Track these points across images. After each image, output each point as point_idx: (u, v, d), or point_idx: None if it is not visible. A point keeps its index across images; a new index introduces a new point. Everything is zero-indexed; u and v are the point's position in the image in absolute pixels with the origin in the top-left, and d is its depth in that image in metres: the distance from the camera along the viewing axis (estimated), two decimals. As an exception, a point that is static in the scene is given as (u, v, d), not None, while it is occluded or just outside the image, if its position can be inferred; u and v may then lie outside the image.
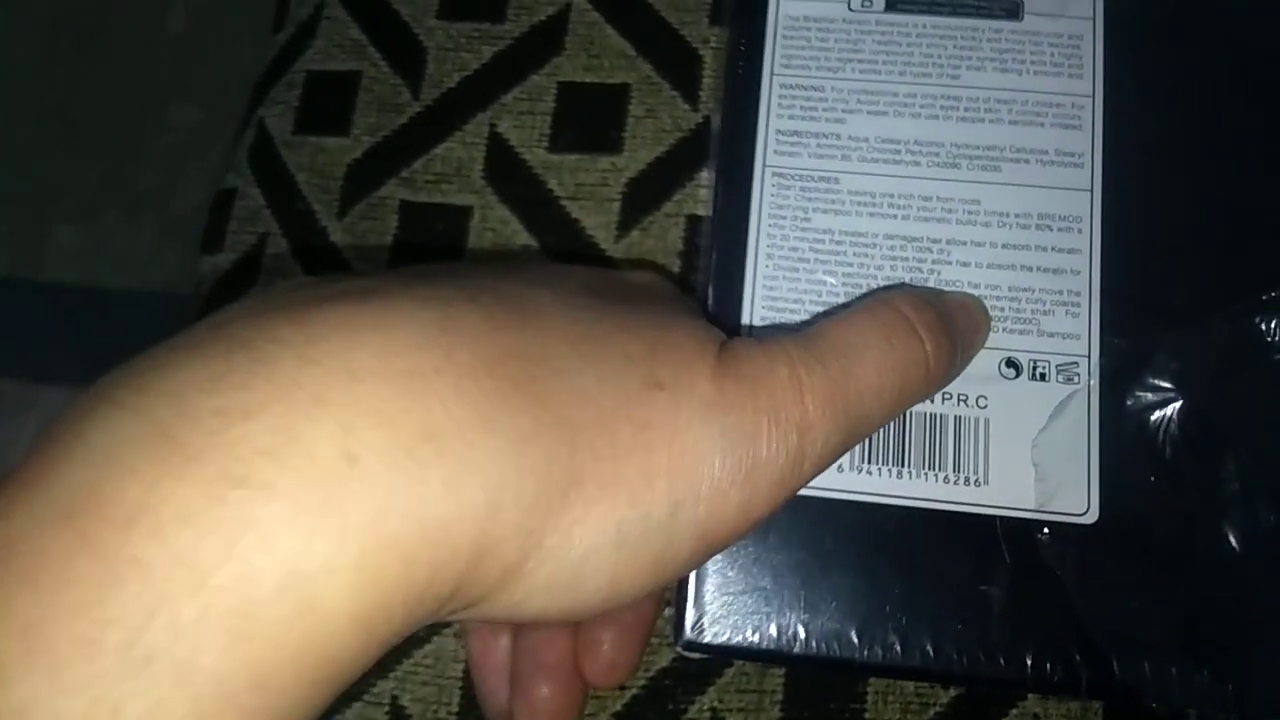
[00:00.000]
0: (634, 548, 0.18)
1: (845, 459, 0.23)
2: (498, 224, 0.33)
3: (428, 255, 0.33)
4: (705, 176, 0.32)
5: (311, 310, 0.16)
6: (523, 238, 0.33)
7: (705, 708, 0.29)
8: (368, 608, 0.15)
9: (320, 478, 0.14)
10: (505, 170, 0.33)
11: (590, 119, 0.33)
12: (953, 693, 0.29)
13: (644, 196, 0.33)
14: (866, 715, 0.29)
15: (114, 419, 0.15)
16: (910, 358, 0.21)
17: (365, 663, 0.15)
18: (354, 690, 0.29)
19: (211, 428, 0.14)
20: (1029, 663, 0.22)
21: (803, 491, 0.23)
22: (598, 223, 0.32)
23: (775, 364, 0.19)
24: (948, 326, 0.22)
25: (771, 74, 0.26)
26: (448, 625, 0.29)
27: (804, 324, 0.24)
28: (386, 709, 0.29)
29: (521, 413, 0.17)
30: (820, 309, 0.24)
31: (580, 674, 0.26)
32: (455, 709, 0.29)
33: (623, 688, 0.29)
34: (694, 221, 0.32)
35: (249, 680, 0.14)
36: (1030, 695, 0.29)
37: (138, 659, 0.13)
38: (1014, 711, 0.29)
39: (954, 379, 0.23)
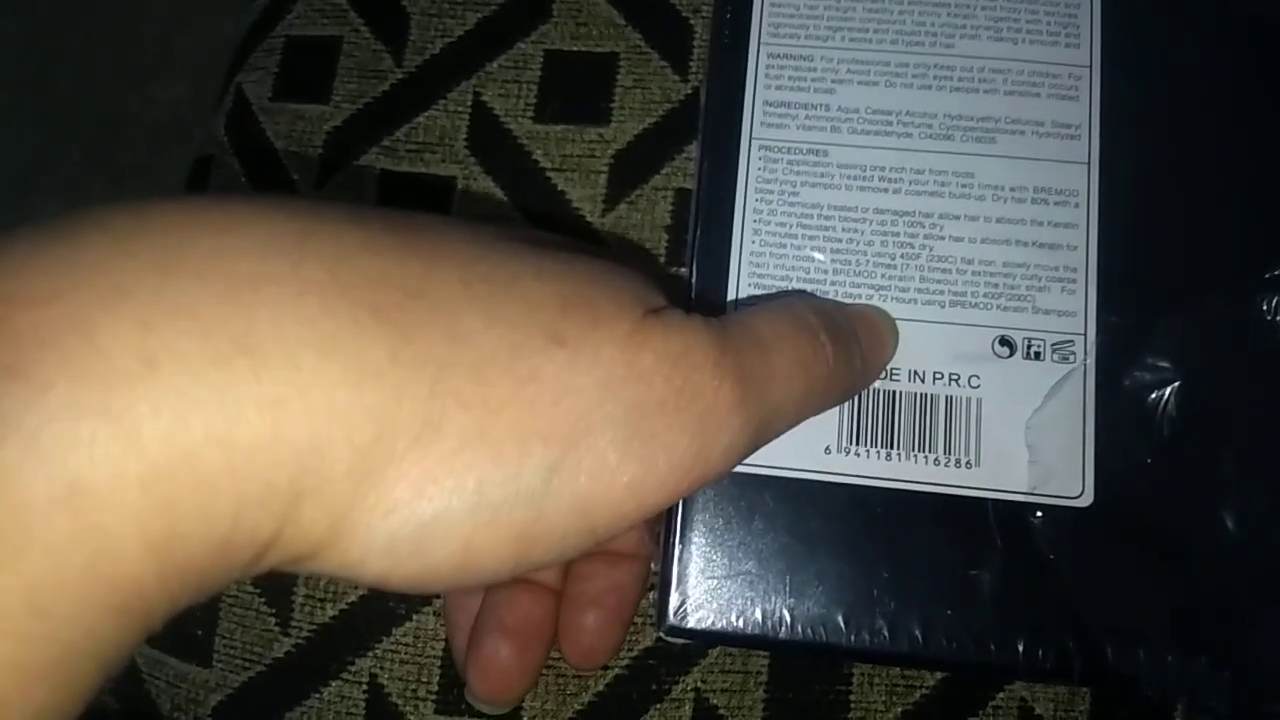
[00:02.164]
0: (495, 513, 0.15)
1: (833, 439, 0.23)
2: (481, 195, 0.32)
3: (409, 228, 0.32)
4: (695, 150, 0.31)
5: (164, 203, 0.15)
6: (506, 209, 0.32)
7: (689, 688, 0.28)
8: (161, 534, 0.13)
9: (107, 377, 0.13)
10: (489, 140, 0.32)
11: (577, 89, 0.33)
12: (939, 676, 0.28)
13: (632, 169, 0.32)
14: (852, 698, 0.28)
15: None
16: (815, 356, 0.20)
17: (169, 601, 0.14)
18: (331, 669, 0.29)
19: (2, 314, 0.13)
20: (1020, 649, 0.22)
21: (789, 474, 0.23)
22: (584, 195, 0.32)
23: (701, 345, 0.18)
24: (846, 335, 0.21)
25: (759, 43, 0.25)
26: (428, 603, 0.29)
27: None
28: (365, 687, 0.29)
29: (374, 343, 0.15)
30: (808, 286, 0.23)
31: (565, 655, 0.25)
32: (435, 688, 0.28)
33: (605, 667, 0.28)
34: (683, 195, 0.31)
35: (25, 602, 0.12)
36: (1019, 681, 0.28)
37: None
38: (1001, 695, 0.28)
39: (863, 387, 0.23)
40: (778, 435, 0.20)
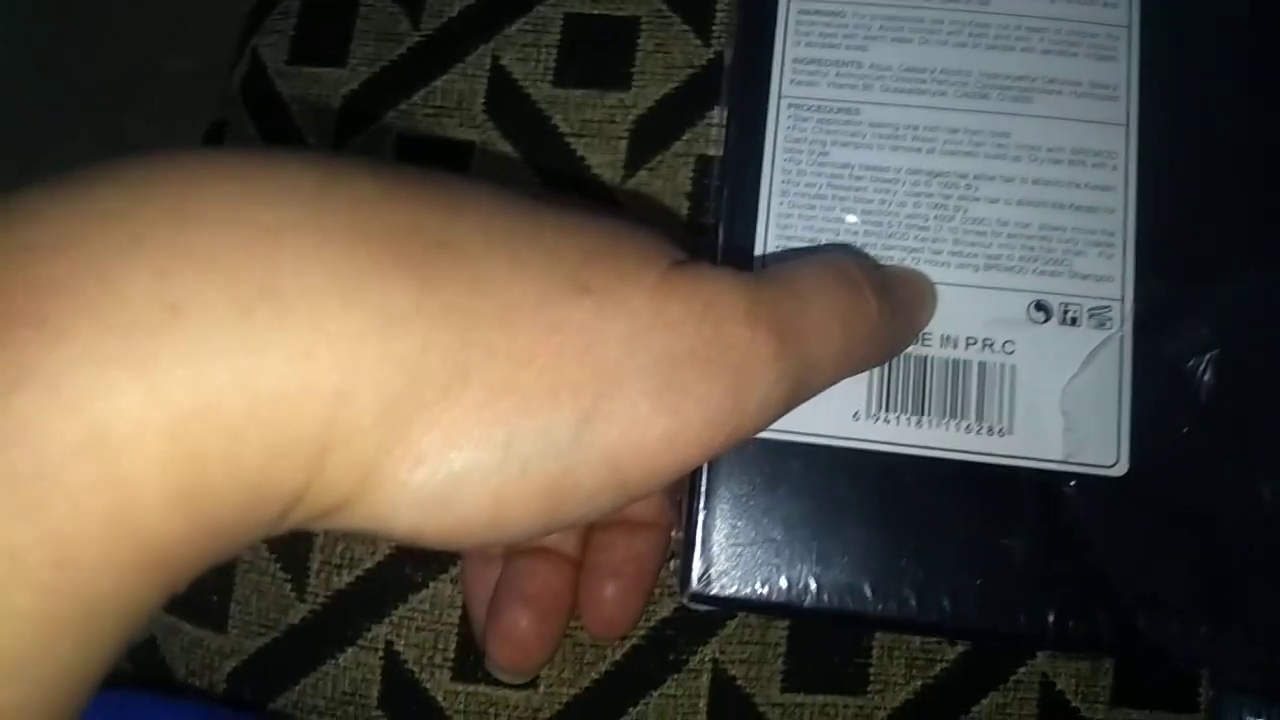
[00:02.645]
0: (525, 465, 0.15)
1: (862, 405, 0.22)
2: (499, 160, 0.31)
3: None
4: (717, 115, 0.31)
5: (175, 153, 0.15)
6: (525, 174, 0.31)
7: (707, 659, 0.28)
8: (187, 486, 0.13)
9: (128, 324, 0.12)
10: (508, 104, 0.32)
11: (597, 53, 0.32)
12: (959, 649, 0.28)
13: (652, 135, 0.31)
14: (871, 670, 0.28)
15: None
16: (858, 309, 0.19)
17: (196, 557, 0.14)
18: (348, 635, 0.28)
19: (13, 264, 0.13)
20: (1050, 619, 0.21)
21: (817, 440, 0.22)
22: (604, 161, 0.31)
23: (732, 294, 0.17)
24: (891, 291, 0.20)
25: None
26: (444, 571, 0.28)
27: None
28: (381, 654, 0.28)
29: (400, 291, 0.14)
30: (839, 250, 0.23)
31: (585, 625, 0.25)
32: (451, 655, 0.28)
33: (623, 637, 0.28)
34: (704, 162, 0.31)
35: (49, 554, 0.12)
36: (1040, 653, 0.28)
37: None
38: (1022, 669, 0.28)
39: (900, 349, 0.22)
40: (815, 393, 0.19)
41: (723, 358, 0.17)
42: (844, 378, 0.20)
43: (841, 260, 0.20)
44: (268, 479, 0.13)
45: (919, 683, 0.28)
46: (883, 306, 0.20)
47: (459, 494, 0.15)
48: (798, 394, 0.18)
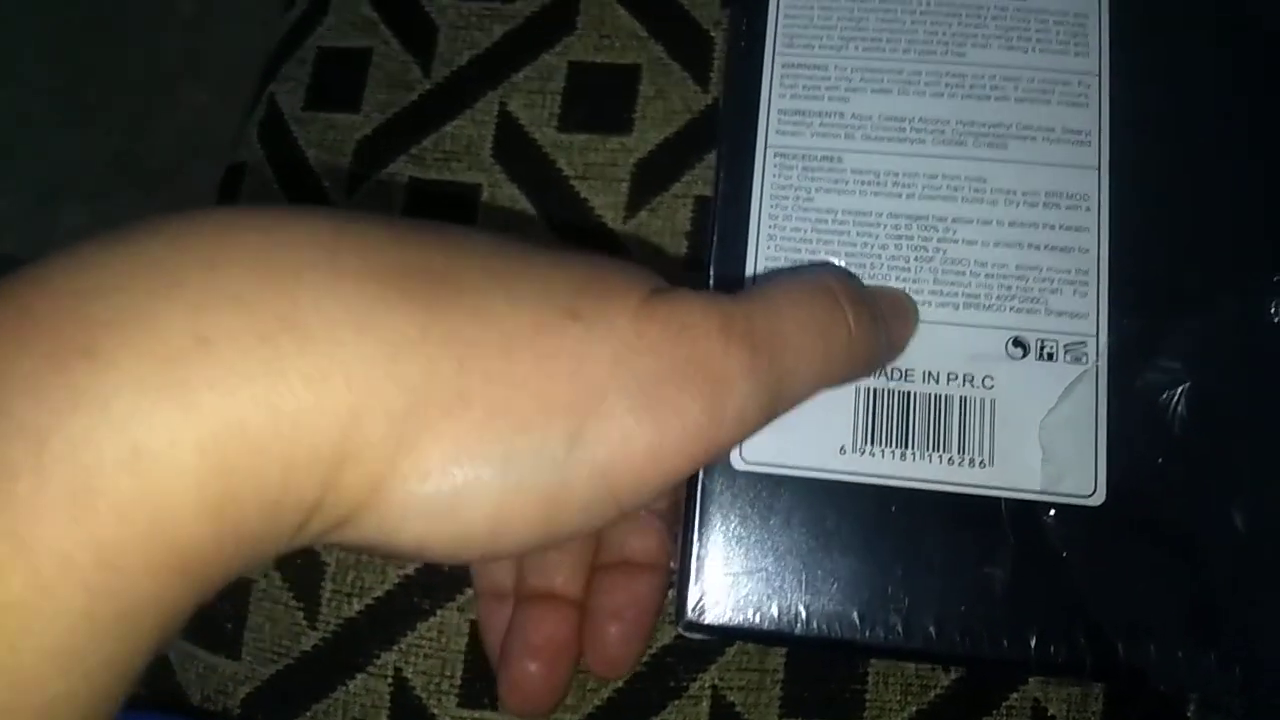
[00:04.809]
0: (523, 479, 0.16)
1: (848, 439, 0.23)
2: (506, 202, 0.33)
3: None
4: (714, 158, 0.32)
5: (209, 211, 0.16)
6: (530, 215, 0.33)
7: (706, 685, 0.29)
8: (217, 497, 0.14)
9: (167, 355, 0.14)
10: (515, 149, 0.33)
11: (600, 99, 0.33)
12: (953, 675, 0.29)
13: (653, 177, 0.32)
14: (867, 696, 0.29)
15: None
16: (833, 320, 0.20)
17: (225, 566, 0.15)
18: (358, 662, 0.29)
19: (67, 305, 0.14)
20: (1032, 644, 0.22)
21: (806, 473, 0.23)
22: (606, 202, 0.32)
23: (705, 314, 0.18)
24: (868, 303, 0.21)
25: (774, 53, 0.25)
26: (451, 599, 0.29)
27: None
28: (390, 680, 0.29)
29: (406, 321, 0.16)
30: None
31: (589, 665, 0.26)
32: (458, 682, 0.29)
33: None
34: (702, 202, 0.32)
35: (94, 557, 0.13)
36: (1031, 680, 0.29)
37: None
38: (1015, 695, 0.29)
39: (885, 361, 0.23)
40: (796, 402, 0.20)
41: (699, 374, 0.18)
42: (825, 387, 0.21)
43: (819, 274, 0.21)
44: (288, 490, 0.15)
45: (914, 708, 0.29)
46: (860, 317, 0.21)
47: (463, 506, 0.16)
48: (775, 404, 0.19)
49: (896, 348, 0.23)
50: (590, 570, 0.27)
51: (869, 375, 0.23)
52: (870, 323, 0.21)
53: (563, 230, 0.32)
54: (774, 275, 0.24)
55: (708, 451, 0.18)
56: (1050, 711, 0.28)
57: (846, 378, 0.22)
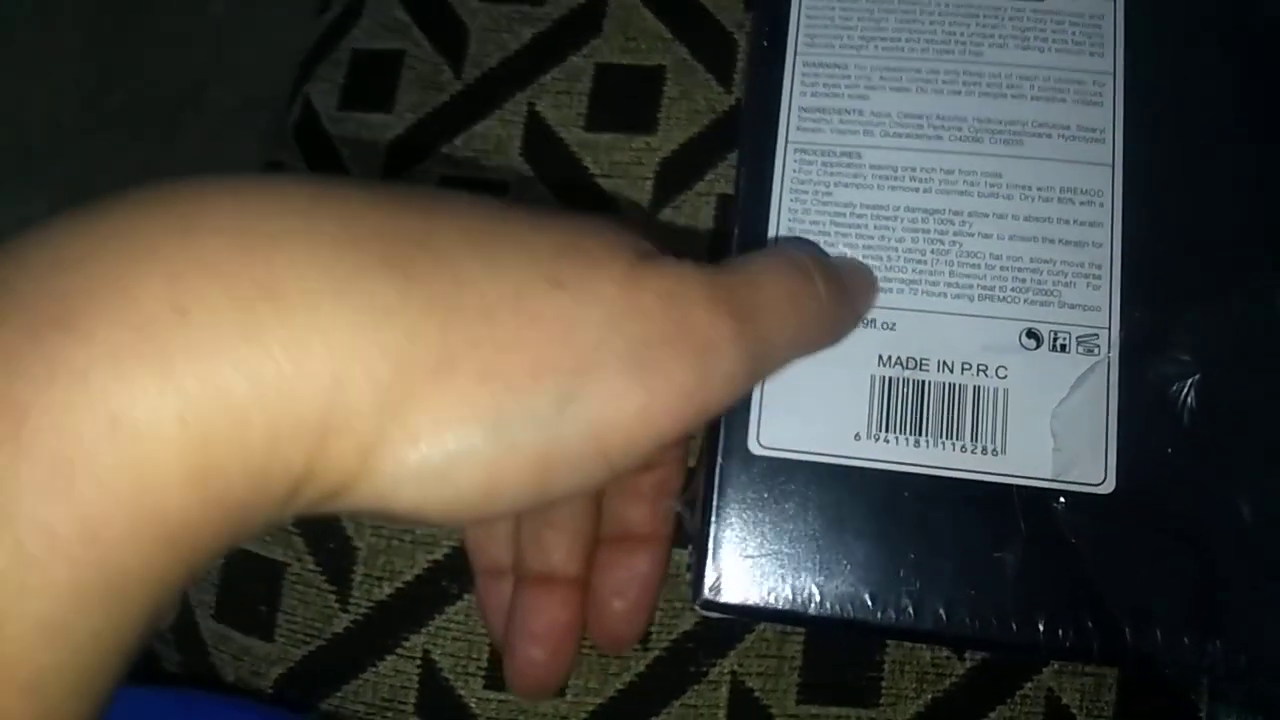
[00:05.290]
0: (515, 440, 0.17)
1: (863, 426, 0.24)
2: (533, 200, 0.34)
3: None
4: (736, 157, 0.33)
5: (180, 181, 0.16)
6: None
7: (725, 671, 0.29)
8: (200, 467, 0.14)
9: (143, 324, 0.14)
10: (543, 148, 0.34)
11: (626, 99, 0.34)
12: (969, 664, 0.29)
13: (677, 175, 0.33)
14: (884, 684, 0.29)
15: None
16: (808, 292, 0.21)
17: (212, 535, 0.15)
18: (386, 644, 0.30)
19: (42, 276, 0.14)
20: (1041, 628, 0.23)
21: (821, 458, 0.24)
22: (631, 200, 0.33)
23: (693, 283, 0.19)
24: (837, 276, 0.22)
25: (795, 52, 0.26)
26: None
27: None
28: (418, 662, 0.30)
29: (385, 286, 0.16)
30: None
31: (593, 640, 0.27)
32: (485, 664, 0.30)
33: (645, 648, 0.30)
34: (725, 200, 0.33)
35: (78, 529, 0.13)
36: (1045, 669, 0.29)
37: None
38: (1029, 685, 0.29)
39: (847, 331, 0.24)
40: (774, 369, 0.22)
41: (688, 339, 0.18)
42: (799, 355, 0.22)
43: (793, 250, 0.22)
44: (273, 460, 0.15)
45: (929, 696, 0.29)
46: (830, 290, 0.22)
47: (456, 469, 0.16)
48: (757, 370, 0.20)
49: (858, 319, 0.24)
50: (592, 543, 0.27)
51: (836, 343, 0.24)
52: (839, 294, 0.22)
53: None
54: (751, 252, 0.24)
55: (697, 414, 0.19)
56: (1064, 701, 0.29)
57: (819, 345, 0.23)
